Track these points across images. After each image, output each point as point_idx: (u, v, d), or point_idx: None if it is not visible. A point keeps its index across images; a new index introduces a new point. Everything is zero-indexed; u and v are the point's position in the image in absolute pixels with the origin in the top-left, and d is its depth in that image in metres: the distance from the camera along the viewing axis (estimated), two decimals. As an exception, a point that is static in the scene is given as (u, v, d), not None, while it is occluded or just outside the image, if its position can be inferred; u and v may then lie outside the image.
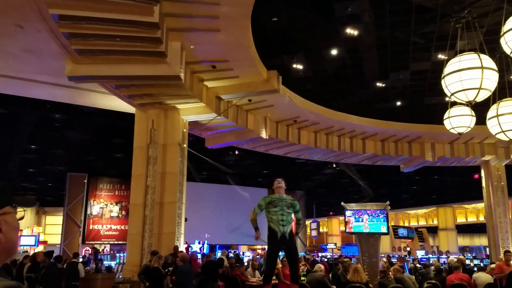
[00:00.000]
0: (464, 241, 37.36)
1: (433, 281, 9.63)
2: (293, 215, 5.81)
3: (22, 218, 1.45)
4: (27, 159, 20.22)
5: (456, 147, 17.29)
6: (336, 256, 23.15)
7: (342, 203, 12.97)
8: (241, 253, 24.78)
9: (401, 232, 31.38)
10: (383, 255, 18.39)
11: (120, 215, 20.71)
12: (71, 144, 18.13)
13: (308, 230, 33.59)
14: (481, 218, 30.56)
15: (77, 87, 11.08)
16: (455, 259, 11.46)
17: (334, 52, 11.51)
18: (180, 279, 8.41)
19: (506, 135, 8.52)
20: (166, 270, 9.64)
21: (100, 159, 20.90)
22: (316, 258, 21.24)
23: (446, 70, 7.52)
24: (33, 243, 22.62)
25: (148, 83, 9.75)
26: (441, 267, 12.39)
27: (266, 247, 23.09)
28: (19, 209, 1.42)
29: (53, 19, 7.41)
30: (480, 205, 28.36)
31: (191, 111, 11.59)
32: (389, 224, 14.58)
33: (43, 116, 15.14)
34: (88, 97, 11.94)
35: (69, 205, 20.45)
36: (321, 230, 37.17)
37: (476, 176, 19.84)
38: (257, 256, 15.64)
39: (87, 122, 15.77)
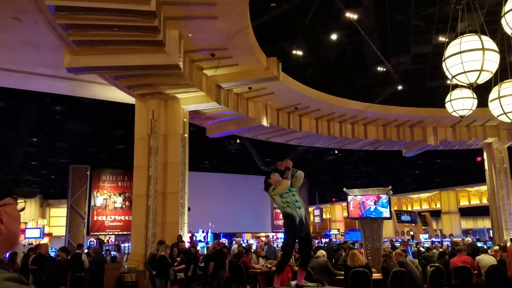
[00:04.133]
0: (467, 224, 37.46)
1: (437, 264, 9.67)
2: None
3: (23, 209, 1.45)
4: (29, 152, 20.27)
5: (458, 130, 17.23)
6: (339, 242, 23.28)
7: (345, 189, 12.95)
8: (245, 241, 24.93)
9: (404, 217, 31.52)
10: (386, 240, 18.47)
11: (124, 206, 20.80)
12: (73, 137, 18.16)
13: (312, 217, 33.74)
14: (484, 201, 30.61)
15: (76, 79, 11.05)
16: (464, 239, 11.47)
17: (334, 37, 11.43)
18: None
19: (508, 117, 8.48)
20: (174, 259, 9.73)
21: (102, 151, 20.94)
22: (320, 244, 21.37)
23: (447, 52, 7.44)
24: (38, 236, 22.76)
25: (147, 73, 9.71)
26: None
27: (269, 234, 23.20)
28: (19, 200, 1.42)
29: (49, 11, 7.35)
30: (483, 188, 28.40)
31: (191, 101, 11.56)
32: (392, 209, 14.59)
33: (44, 109, 15.14)
34: (88, 88, 11.91)
35: (73, 197, 20.54)
36: (324, 216, 37.33)
37: (479, 159, 19.81)
38: (264, 246, 15.69)
39: (88, 114, 15.76)
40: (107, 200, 20.73)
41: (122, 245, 17.26)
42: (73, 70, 9.05)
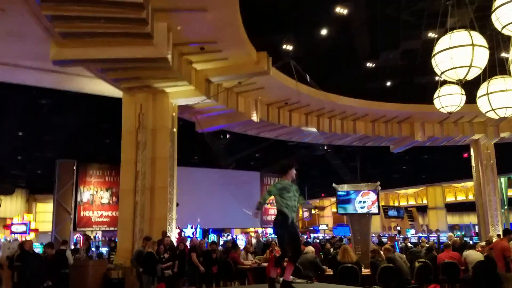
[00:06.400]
0: (453, 219, 37.88)
1: (424, 260, 9.71)
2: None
3: None
4: (15, 147, 19.93)
5: (446, 127, 17.34)
6: (328, 237, 23.39)
7: (334, 185, 12.97)
8: (234, 236, 24.91)
9: (391, 212, 31.80)
10: (374, 235, 18.56)
11: (111, 201, 20.56)
12: (59, 131, 17.89)
13: (300, 212, 33.79)
14: (470, 197, 30.96)
15: (62, 72, 10.82)
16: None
17: (324, 31, 11.38)
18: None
19: (496, 113, 8.52)
20: (162, 256, 9.63)
21: (88, 145, 20.67)
22: (309, 240, 21.43)
23: (436, 48, 7.44)
24: (24, 231, 22.45)
25: (135, 66, 9.54)
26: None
27: (259, 229, 23.14)
28: None
29: (35, 1, 7.20)
30: (470, 184, 28.68)
31: (180, 95, 11.42)
32: (380, 204, 14.67)
33: (29, 102, 14.88)
34: (74, 81, 11.69)
35: (59, 192, 20.25)
36: (313, 211, 37.41)
37: (466, 155, 19.99)
38: (253, 240, 15.70)
39: (75, 108, 15.53)
40: (94, 195, 20.47)
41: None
42: (59, 62, 8.87)
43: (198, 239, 16.68)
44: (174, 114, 11.73)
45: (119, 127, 11.58)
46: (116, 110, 12.12)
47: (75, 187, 20.18)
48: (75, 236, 19.29)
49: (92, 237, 19.31)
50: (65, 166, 20.40)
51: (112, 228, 20.00)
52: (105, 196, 20.63)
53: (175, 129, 11.67)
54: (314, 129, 15.23)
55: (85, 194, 20.32)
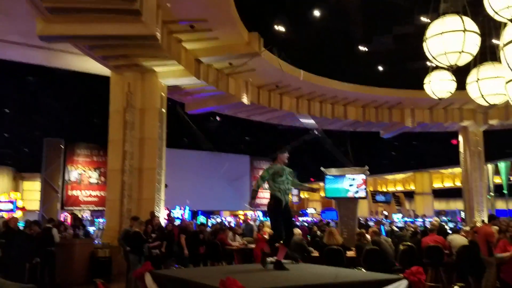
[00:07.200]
0: (440, 205, 38.33)
1: (409, 243, 9.81)
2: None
3: None
4: (1, 124, 19.68)
5: (435, 113, 17.42)
6: (316, 221, 23.61)
7: (322, 169, 12.99)
8: (223, 218, 25.03)
9: (379, 197, 32.12)
10: (361, 219, 18.75)
11: (100, 182, 20.44)
12: (47, 109, 17.68)
13: (290, 196, 33.97)
14: (457, 183, 31.32)
15: (50, 48, 10.64)
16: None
17: (316, 14, 11.26)
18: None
19: (485, 100, 8.56)
20: (149, 236, 9.61)
21: (77, 124, 20.45)
22: (297, 223, 21.58)
23: (428, 32, 7.40)
24: (11, 209, 22.26)
25: (123, 43, 9.40)
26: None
27: (247, 212, 23.19)
28: None
29: (20, -26, 7.00)
30: (457, 170, 28.98)
31: (169, 75, 11.28)
32: (368, 189, 14.75)
33: (17, 80, 14.65)
34: (62, 58, 11.51)
35: (47, 170, 20.08)
36: (301, 196, 37.66)
37: (454, 141, 20.14)
38: (240, 222, 15.77)
39: (63, 87, 15.32)
40: (82, 174, 20.34)
41: (97, 220, 17.04)
42: (46, 38, 8.72)
43: (187, 220, 16.72)
44: (163, 94, 11.60)
45: (107, 107, 11.43)
46: (105, 89, 11.95)
47: (63, 166, 20.01)
48: (63, 215, 19.20)
49: (80, 216, 19.22)
50: (52, 144, 20.18)
51: (100, 208, 19.94)
52: (93, 176, 20.51)
53: (164, 110, 11.56)
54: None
55: (73, 173, 20.18)
